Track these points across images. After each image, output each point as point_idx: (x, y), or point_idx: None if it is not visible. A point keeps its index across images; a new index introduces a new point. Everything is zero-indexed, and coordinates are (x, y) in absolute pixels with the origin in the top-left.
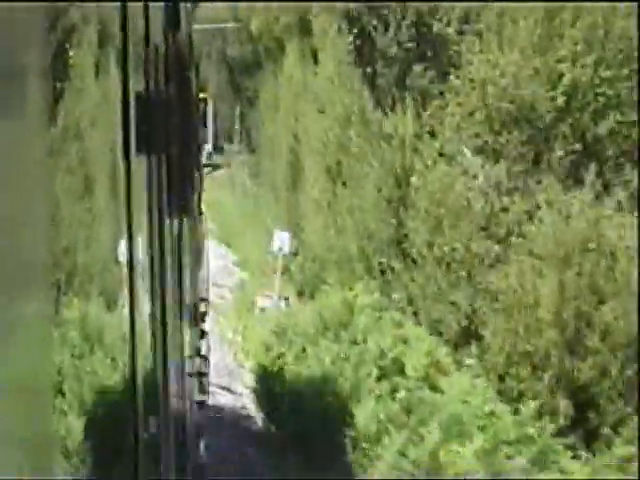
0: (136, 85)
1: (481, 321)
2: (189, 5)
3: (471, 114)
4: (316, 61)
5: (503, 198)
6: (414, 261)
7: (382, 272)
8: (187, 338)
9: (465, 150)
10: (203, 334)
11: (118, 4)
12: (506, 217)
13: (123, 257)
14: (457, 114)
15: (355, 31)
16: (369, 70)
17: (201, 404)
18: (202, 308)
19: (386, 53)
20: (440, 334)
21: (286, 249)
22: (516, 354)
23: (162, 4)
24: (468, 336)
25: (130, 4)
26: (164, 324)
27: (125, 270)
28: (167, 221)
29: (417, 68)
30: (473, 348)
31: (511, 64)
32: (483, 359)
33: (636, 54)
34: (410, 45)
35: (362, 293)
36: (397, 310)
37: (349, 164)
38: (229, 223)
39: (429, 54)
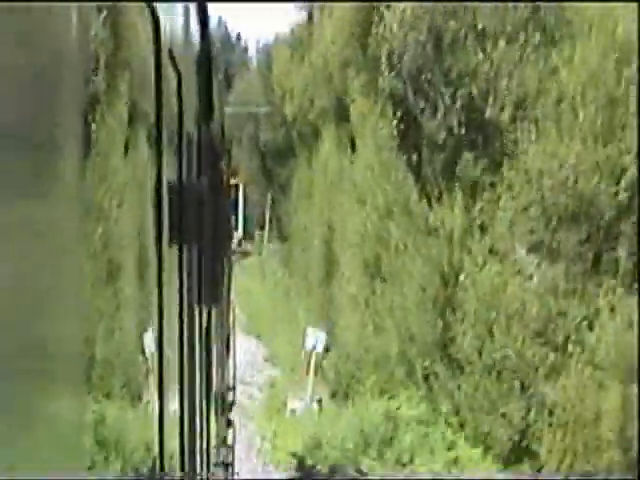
0: (169, 173)
1: (535, 437)
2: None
3: (526, 208)
4: (354, 148)
5: (560, 301)
6: (461, 368)
7: (425, 378)
8: (214, 428)
9: (519, 248)
10: (230, 423)
11: (152, 85)
12: (564, 322)
13: (149, 349)
14: (510, 208)
15: (399, 114)
16: (414, 157)
17: None
18: (229, 397)
19: (433, 139)
20: (489, 448)
21: (320, 348)
22: (574, 475)
23: (196, 91)
24: (520, 453)
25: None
26: (192, 415)
27: (150, 362)
28: (197, 310)
29: (467, 157)
30: (526, 466)
31: (571, 155)
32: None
33: None
34: (460, 131)
35: (405, 403)
36: (446, 424)
37: (389, 259)
38: (259, 314)
39: (480, 142)
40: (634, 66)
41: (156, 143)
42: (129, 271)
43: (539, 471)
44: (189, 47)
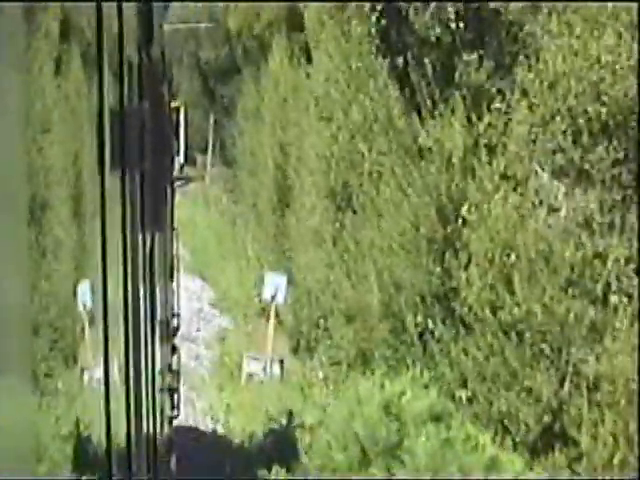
0: (110, 100)
1: (572, 418)
2: (161, 5)
3: (547, 121)
4: (309, 59)
5: (596, 239)
6: (467, 327)
7: (421, 341)
8: (158, 354)
9: (540, 171)
10: (174, 350)
11: (93, 15)
12: (602, 266)
13: (82, 304)
14: (526, 121)
15: (379, 8)
16: (399, 61)
17: (172, 420)
18: (173, 323)
19: (424, 37)
20: (508, 432)
21: (281, 298)
22: (623, 464)
23: (135, 19)
24: (552, 439)
25: (104, 15)
26: (137, 342)
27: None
28: (140, 236)
29: (468, 57)
30: (561, 457)
31: (604, 51)
32: (577, 473)
33: None
34: (457, 25)
35: (409, 386)
36: (470, 417)
37: (364, 187)
38: (203, 249)
39: (485, 38)
40: None
41: (98, 68)
42: (66, 201)
43: (578, 462)
44: None
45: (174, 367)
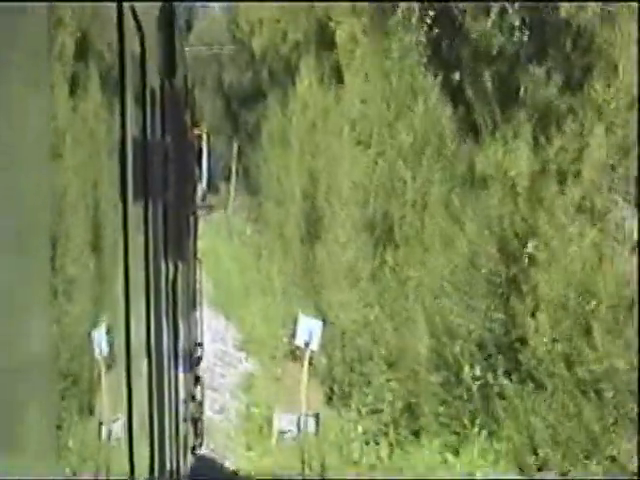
0: (133, 129)
1: None
2: (183, 28)
3: (628, 144)
4: (340, 80)
5: None
6: (537, 383)
7: (480, 394)
8: (182, 383)
9: (621, 202)
10: (198, 379)
11: (116, 47)
12: None
13: (99, 350)
14: (604, 144)
15: (431, 14)
16: (454, 77)
17: (194, 449)
18: (197, 353)
19: (484, 48)
20: None
21: (316, 343)
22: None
23: (159, 46)
24: None
25: (127, 48)
26: (160, 372)
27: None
28: (163, 266)
29: (535, 71)
30: None
31: None
32: None
33: None
34: (522, 34)
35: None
36: None
37: (408, 220)
38: (227, 282)
39: (552, 49)
40: None
41: (120, 99)
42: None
43: None
44: (152, 7)
45: (197, 397)
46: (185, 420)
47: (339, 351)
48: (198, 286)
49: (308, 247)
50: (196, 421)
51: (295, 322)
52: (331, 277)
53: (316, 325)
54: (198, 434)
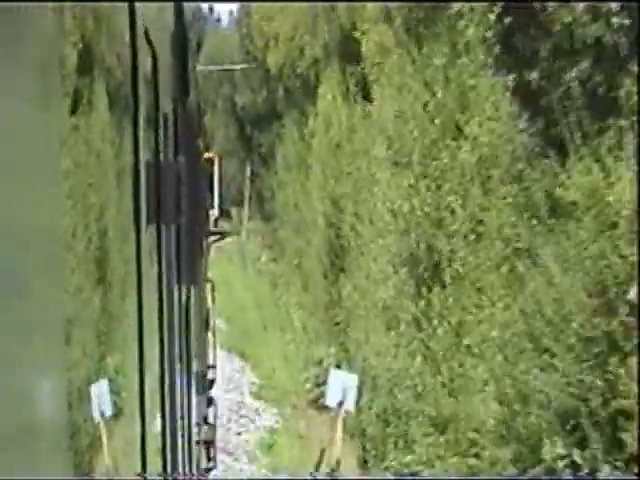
0: (145, 153)
1: None
2: (194, 47)
3: None
4: (367, 97)
5: None
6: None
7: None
8: (195, 406)
9: None
10: (211, 402)
11: (128, 67)
12: None
13: (99, 409)
14: None
15: (500, 4)
16: (531, 78)
17: (208, 471)
18: (210, 375)
19: (574, 40)
20: None
21: (351, 403)
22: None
23: (170, 70)
24: None
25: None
26: (173, 395)
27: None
28: (175, 290)
29: (634, 69)
30: None
31: None
32: None
33: None
34: (622, 24)
35: None
36: None
37: (462, 254)
38: (242, 317)
39: None
40: None
41: (133, 122)
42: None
43: None
44: (165, 28)
45: (210, 420)
46: (198, 443)
47: (375, 405)
48: (210, 306)
49: (332, 280)
50: (209, 444)
51: (321, 374)
52: (361, 316)
53: (350, 381)
54: (211, 457)
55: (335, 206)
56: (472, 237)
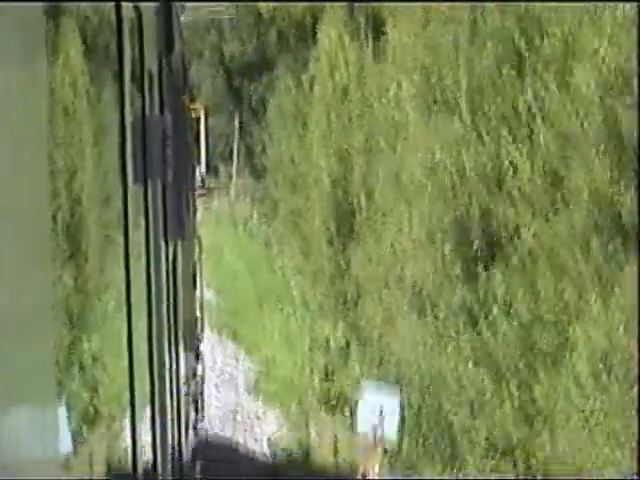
0: (130, 110)
1: None
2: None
3: None
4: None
5: None
6: None
7: None
8: (183, 360)
9: None
10: (199, 356)
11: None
12: None
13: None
14: None
15: None
16: None
17: (196, 425)
18: (198, 330)
19: None
20: None
21: (393, 429)
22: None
23: (155, 26)
24: None
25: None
26: (161, 350)
27: None
28: (163, 245)
29: None
30: None
31: None
32: None
33: None
34: None
35: None
36: None
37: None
38: (234, 288)
39: None
40: None
41: (119, 80)
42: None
43: None
44: None
45: (198, 373)
46: (186, 395)
47: (413, 416)
48: (198, 264)
49: (337, 248)
50: (196, 397)
51: (330, 361)
52: (377, 292)
53: (391, 402)
54: (199, 410)
55: (342, 161)
56: (547, 200)
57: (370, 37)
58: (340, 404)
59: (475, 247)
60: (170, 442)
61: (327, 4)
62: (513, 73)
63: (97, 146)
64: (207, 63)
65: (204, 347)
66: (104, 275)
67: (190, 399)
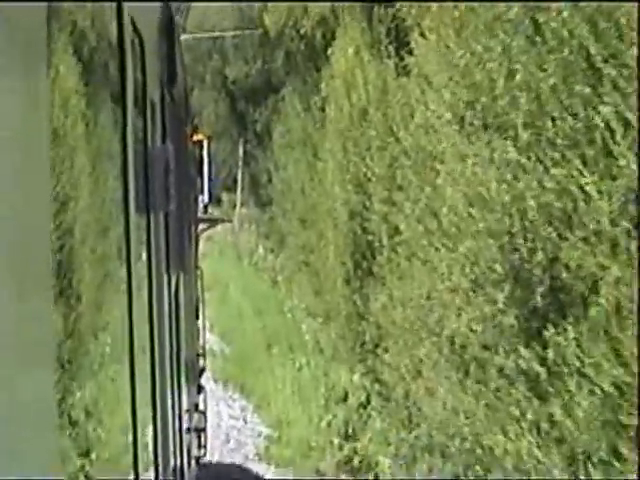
0: (134, 142)
1: None
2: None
3: None
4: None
5: None
6: None
7: None
8: (185, 394)
9: None
10: (201, 389)
11: (117, 56)
12: None
13: None
14: None
15: None
16: None
17: (199, 459)
18: (199, 363)
19: None
20: None
21: None
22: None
23: (157, 54)
24: None
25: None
26: (163, 380)
27: None
28: (165, 277)
29: None
30: None
31: None
32: None
33: None
34: None
35: None
36: None
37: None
38: (238, 331)
39: None
40: None
41: (122, 112)
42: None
43: None
44: (151, 13)
45: (201, 407)
46: (188, 430)
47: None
48: (200, 295)
49: (355, 286)
50: (199, 432)
51: (350, 419)
52: (402, 338)
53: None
54: (202, 445)
55: (360, 191)
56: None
57: (393, 50)
58: (363, 469)
59: (538, 298)
60: (172, 470)
61: (342, 18)
62: (587, 90)
63: (93, 174)
64: (209, 87)
65: (209, 403)
66: (101, 313)
67: (192, 433)
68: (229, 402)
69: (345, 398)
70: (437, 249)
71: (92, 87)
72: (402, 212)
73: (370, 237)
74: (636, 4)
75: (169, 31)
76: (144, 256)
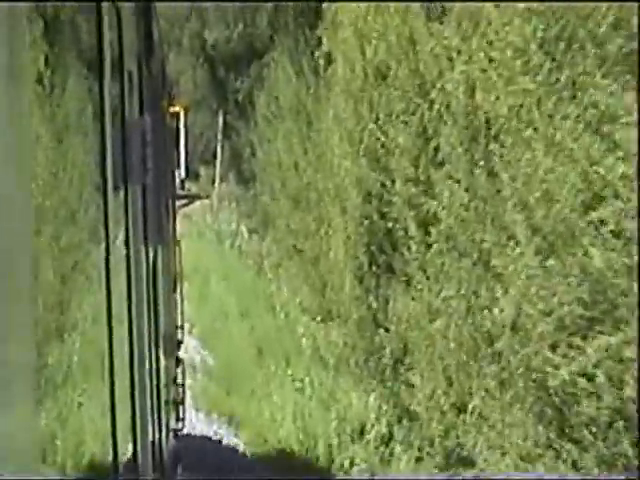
0: (111, 113)
1: None
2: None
3: None
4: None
5: None
6: None
7: None
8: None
9: None
10: (179, 362)
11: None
12: None
13: None
14: None
15: None
16: None
17: (177, 432)
18: (177, 336)
19: None
20: None
21: None
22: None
23: (135, 28)
24: None
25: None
26: (141, 355)
27: None
28: (143, 250)
29: None
30: None
31: None
32: None
33: None
34: None
35: None
36: None
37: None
38: (223, 335)
39: None
40: None
41: (99, 83)
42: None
43: None
44: None
45: (179, 380)
46: (167, 403)
47: None
48: (178, 267)
49: (369, 285)
50: (178, 404)
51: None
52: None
53: None
54: (180, 418)
55: (377, 167)
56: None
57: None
58: None
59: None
60: (150, 443)
61: None
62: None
63: (59, 148)
64: (187, 53)
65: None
66: (69, 311)
67: (171, 406)
68: (214, 427)
69: (362, 431)
70: (497, 245)
71: (57, 47)
72: (441, 195)
73: (390, 224)
74: (636, 4)
75: (147, 3)
76: (122, 230)
